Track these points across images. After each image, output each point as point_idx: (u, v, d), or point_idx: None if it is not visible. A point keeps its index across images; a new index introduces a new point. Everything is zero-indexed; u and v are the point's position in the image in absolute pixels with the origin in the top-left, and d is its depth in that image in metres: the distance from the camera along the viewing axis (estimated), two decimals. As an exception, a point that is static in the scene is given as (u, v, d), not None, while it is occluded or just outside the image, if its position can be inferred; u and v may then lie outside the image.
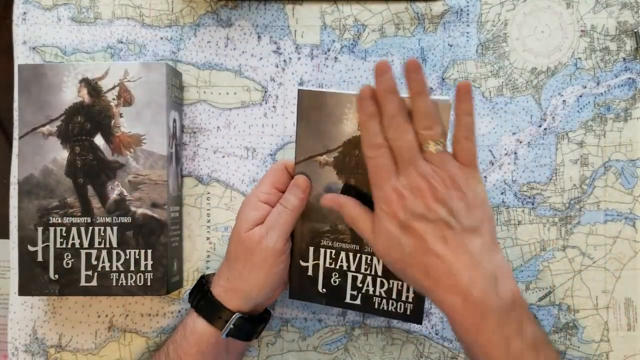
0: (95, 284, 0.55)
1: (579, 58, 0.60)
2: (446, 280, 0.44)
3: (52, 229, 0.55)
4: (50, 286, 0.55)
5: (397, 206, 0.45)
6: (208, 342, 0.53)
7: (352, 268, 0.54)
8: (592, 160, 0.60)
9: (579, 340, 0.60)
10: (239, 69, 0.61)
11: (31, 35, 0.61)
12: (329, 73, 0.61)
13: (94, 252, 0.55)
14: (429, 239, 0.44)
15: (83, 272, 0.55)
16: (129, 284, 0.55)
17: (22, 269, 0.55)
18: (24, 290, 0.56)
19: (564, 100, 0.60)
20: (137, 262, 0.55)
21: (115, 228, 0.55)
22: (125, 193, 0.55)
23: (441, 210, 0.44)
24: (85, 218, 0.55)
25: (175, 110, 0.58)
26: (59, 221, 0.55)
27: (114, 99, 0.55)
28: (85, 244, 0.55)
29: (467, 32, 0.60)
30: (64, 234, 0.55)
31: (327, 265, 0.54)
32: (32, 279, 0.55)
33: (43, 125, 0.55)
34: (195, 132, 0.61)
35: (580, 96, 0.60)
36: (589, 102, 0.60)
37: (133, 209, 0.55)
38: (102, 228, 0.55)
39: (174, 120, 0.58)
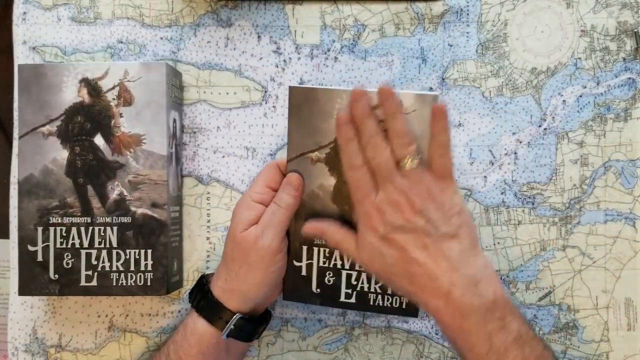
0: (95, 284, 0.55)
1: (579, 58, 0.60)
2: (429, 285, 0.46)
3: (52, 228, 0.55)
4: (50, 286, 0.55)
5: (377, 220, 0.48)
6: (209, 342, 0.53)
7: (347, 266, 0.54)
8: (592, 160, 0.60)
9: (579, 340, 0.60)
10: (239, 69, 0.61)
11: (31, 35, 0.61)
12: (329, 73, 0.61)
13: (94, 252, 0.55)
14: (410, 248, 0.47)
15: (83, 272, 0.55)
16: (129, 284, 0.55)
17: (22, 269, 0.55)
18: (24, 290, 0.56)
19: (564, 100, 0.60)
20: (137, 262, 0.55)
21: (115, 228, 0.55)
22: (125, 193, 0.55)
23: (419, 220, 0.47)
24: (85, 218, 0.55)
25: (175, 110, 0.58)
26: (59, 221, 0.55)
27: (114, 99, 0.55)
28: (85, 244, 0.55)
29: (467, 32, 0.60)
30: (64, 234, 0.55)
31: (321, 264, 0.54)
32: (32, 279, 0.55)
33: (43, 125, 0.55)
34: (195, 132, 0.61)
35: (580, 96, 0.60)
36: (589, 102, 0.60)
37: (133, 209, 0.55)
38: (102, 228, 0.55)
39: (174, 120, 0.58)
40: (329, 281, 0.54)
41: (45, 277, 0.55)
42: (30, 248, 0.55)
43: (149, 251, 0.55)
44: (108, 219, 0.55)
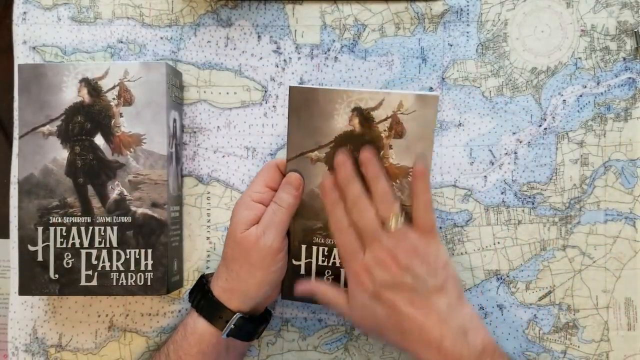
0: (96, 284, 0.55)
1: (579, 58, 0.60)
2: (420, 338, 0.48)
3: (52, 228, 0.55)
4: (51, 286, 0.55)
5: (366, 279, 0.49)
6: (209, 342, 0.53)
7: None
8: (592, 160, 0.60)
9: (579, 340, 0.60)
10: (239, 68, 0.61)
11: (31, 35, 0.61)
12: (329, 73, 0.61)
13: (94, 252, 0.55)
14: (400, 304, 0.48)
15: (83, 272, 0.55)
16: (129, 284, 0.55)
17: (22, 269, 0.55)
18: (24, 289, 0.56)
19: (564, 100, 0.60)
20: (137, 261, 0.55)
21: (115, 228, 0.55)
22: (125, 193, 0.55)
23: (407, 276, 0.49)
24: (86, 218, 0.55)
25: (175, 110, 0.58)
26: (59, 221, 0.55)
27: (114, 99, 0.55)
28: (86, 244, 0.55)
29: (467, 32, 0.60)
30: (64, 234, 0.55)
31: (320, 262, 0.54)
32: (32, 279, 0.55)
33: (43, 125, 0.55)
34: (195, 132, 0.61)
35: (581, 96, 0.60)
36: (589, 102, 0.60)
37: (133, 208, 0.55)
38: (102, 228, 0.55)
39: (174, 120, 0.58)
40: (328, 279, 0.55)
41: (46, 276, 0.55)
42: (31, 248, 0.55)
43: (149, 251, 0.55)
44: (108, 219, 0.55)
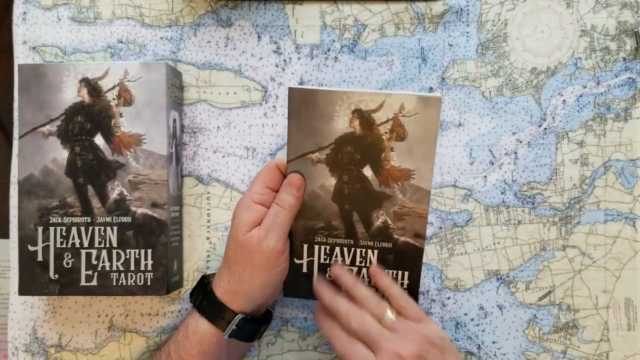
0: (96, 284, 0.55)
1: (579, 58, 0.60)
2: None
3: (52, 228, 0.55)
4: (51, 286, 0.55)
5: None
6: (210, 342, 0.52)
7: (347, 262, 0.54)
8: (592, 160, 0.60)
9: (579, 340, 0.60)
10: (239, 68, 0.61)
11: (31, 35, 0.61)
12: (329, 73, 0.61)
13: (94, 252, 0.55)
14: None
15: (83, 272, 0.55)
16: (129, 284, 0.55)
17: (22, 269, 0.55)
18: (24, 289, 0.56)
19: (564, 100, 0.60)
20: (137, 261, 0.55)
21: (115, 228, 0.55)
22: (125, 193, 0.55)
23: None
24: (85, 218, 0.55)
25: (175, 110, 0.58)
26: (59, 221, 0.55)
27: (114, 99, 0.55)
28: (85, 244, 0.55)
29: (467, 32, 0.60)
30: (64, 234, 0.55)
31: (322, 261, 0.55)
32: (32, 279, 0.55)
33: (43, 125, 0.55)
34: (195, 132, 0.61)
35: (580, 96, 0.60)
36: (589, 102, 0.60)
37: (133, 208, 0.55)
38: (102, 228, 0.55)
39: (174, 120, 0.58)
40: (329, 277, 0.55)
41: (45, 277, 0.55)
42: (31, 248, 0.55)
43: (149, 251, 0.55)
44: (108, 219, 0.55)
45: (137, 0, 0.61)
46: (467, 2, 0.60)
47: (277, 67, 0.61)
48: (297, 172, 0.53)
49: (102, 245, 0.55)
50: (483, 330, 0.60)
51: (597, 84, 0.60)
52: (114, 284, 0.55)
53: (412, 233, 0.53)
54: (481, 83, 0.60)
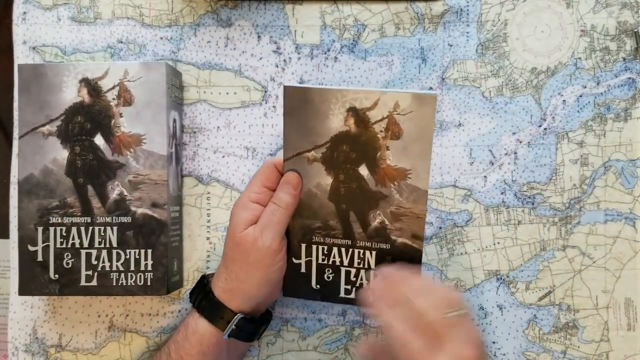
0: (96, 284, 0.55)
1: (579, 58, 0.60)
2: None
3: (52, 228, 0.55)
4: (51, 286, 0.55)
5: None
6: (209, 342, 0.53)
7: (345, 263, 0.54)
8: (592, 160, 0.60)
9: (579, 340, 0.60)
10: (239, 68, 0.61)
11: (31, 35, 0.61)
12: (329, 73, 0.61)
13: (94, 252, 0.55)
14: None
15: (83, 272, 0.55)
16: (129, 284, 0.55)
17: (22, 269, 0.55)
18: (24, 290, 0.56)
19: (564, 100, 0.60)
20: (137, 262, 0.55)
21: (115, 228, 0.55)
22: (125, 193, 0.55)
23: None
24: (85, 218, 0.55)
25: (175, 110, 0.58)
26: (59, 221, 0.55)
27: (114, 99, 0.55)
28: (85, 244, 0.55)
29: (467, 32, 0.60)
30: (64, 234, 0.55)
31: (320, 261, 0.55)
32: (32, 279, 0.55)
33: (43, 125, 0.55)
34: (195, 132, 0.61)
35: (580, 96, 0.60)
36: (589, 102, 0.60)
37: (133, 208, 0.55)
38: (102, 228, 0.55)
39: (174, 120, 0.58)
40: (328, 277, 0.55)
41: (46, 277, 0.55)
42: (31, 248, 0.55)
43: (149, 251, 0.55)
44: (108, 219, 0.55)
45: (137, 0, 0.61)
46: (467, 2, 0.60)
47: (277, 67, 0.61)
48: (294, 170, 0.53)
49: (102, 246, 0.55)
50: (483, 331, 0.60)
51: (597, 84, 0.60)
52: (114, 284, 0.55)
53: (410, 234, 0.52)
54: (481, 83, 0.60)
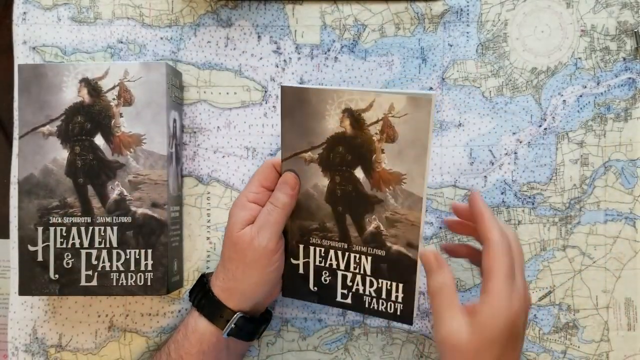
0: (96, 284, 0.55)
1: (579, 58, 0.60)
2: None
3: (52, 228, 0.55)
4: (51, 286, 0.55)
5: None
6: (209, 341, 0.53)
7: (342, 266, 0.53)
8: (592, 160, 0.60)
9: (579, 340, 0.60)
10: (239, 68, 0.61)
11: (31, 35, 0.61)
12: (329, 73, 0.61)
13: (94, 252, 0.55)
14: None
15: (83, 272, 0.55)
16: (129, 284, 0.55)
17: (22, 269, 0.55)
18: (24, 290, 0.56)
19: (564, 100, 0.60)
20: (137, 262, 0.55)
21: (115, 228, 0.55)
22: (125, 193, 0.55)
23: None
24: (85, 218, 0.55)
25: (175, 110, 0.58)
26: (59, 221, 0.55)
27: (114, 99, 0.55)
28: (86, 244, 0.55)
29: (467, 32, 0.60)
30: (64, 234, 0.55)
31: (317, 263, 0.54)
32: (32, 279, 0.55)
33: (43, 125, 0.55)
34: (195, 132, 0.61)
35: (580, 96, 0.60)
36: (589, 102, 0.60)
37: (133, 208, 0.55)
38: (102, 228, 0.55)
39: (174, 120, 0.58)
40: (325, 280, 0.54)
41: (46, 277, 0.55)
42: (31, 248, 0.55)
43: (149, 251, 0.55)
44: (108, 219, 0.55)
45: (137, 0, 0.61)
46: (467, 2, 0.60)
47: (277, 67, 0.61)
48: (291, 171, 0.53)
49: (102, 246, 0.55)
50: (483, 330, 0.60)
51: (597, 84, 0.60)
52: (114, 284, 0.55)
53: (405, 242, 0.50)
54: (481, 83, 0.60)
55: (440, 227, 0.60)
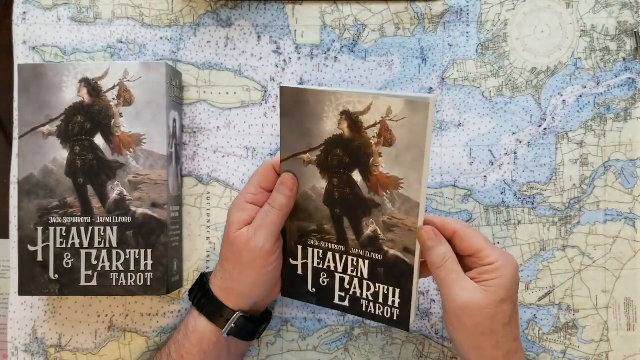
0: (95, 284, 0.55)
1: (579, 58, 0.60)
2: None
3: (52, 228, 0.55)
4: (50, 286, 0.55)
5: None
6: (209, 340, 0.53)
7: (339, 269, 0.53)
8: (592, 160, 0.60)
9: (579, 340, 0.60)
10: (239, 68, 0.61)
11: (31, 35, 0.61)
12: (329, 73, 0.61)
13: (94, 252, 0.55)
14: None
15: (83, 272, 0.55)
16: (129, 284, 0.55)
17: (22, 269, 0.55)
18: (24, 290, 0.56)
19: (564, 100, 0.60)
20: (137, 262, 0.55)
21: (115, 228, 0.55)
22: (125, 193, 0.55)
23: None
24: (85, 218, 0.55)
25: (175, 110, 0.58)
26: (59, 221, 0.55)
27: (114, 99, 0.55)
28: (85, 244, 0.55)
29: (467, 32, 0.60)
30: (64, 234, 0.55)
31: (316, 265, 0.54)
32: (32, 279, 0.55)
33: (43, 125, 0.55)
34: (195, 132, 0.61)
35: (580, 96, 0.60)
36: (589, 102, 0.60)
37: (133, 208, 0.55)
38: (102, 228, 0.55)
39: (174, 120, 0.58)
40: (323, 282, 0.54)
41: (45, 277, 0.55)
42: (30, 248, 0.55)
43: (149, 251, 0.55)
44: (108, 219, 0.55)
45: (137, 0, 0.61)
46: (467, 2, 0.60)
47: (277, 67, 0.61)
48: (290, 172, 0.53)
49: (102, 245, 0.55)
50: (483, 330, 0.60)
51: (597, 84, 0.60)
52: (114, 284, 0.55)
53: (402, 247, 0.50)
54: (481, 83, 0.60)
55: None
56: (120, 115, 0.55)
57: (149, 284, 0.55)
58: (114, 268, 0.55)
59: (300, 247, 0.54)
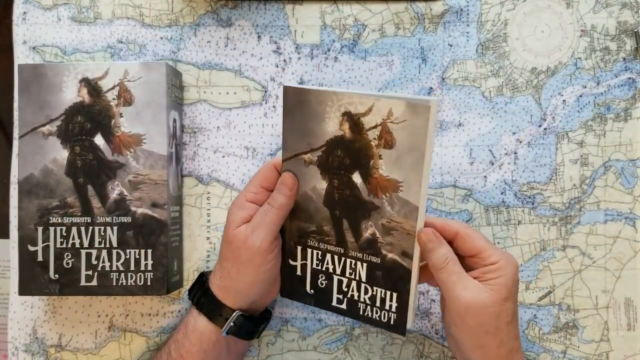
0: (96, 284, 0.55)
1: (579, 58, 0.60)
2: None
3: (52, 228, 0.55)
4: (51, 286, 0.55)
5: None
6: (209, 339, 0.53)
7: (338, 271, 0.53)
8: (592, 160, 0.60)
9: (579, 340, 0.60)
10: (239, 68, 0.61)
11: (31, 35, 0.61)
12: (329, 73, 0.61)
13: (94, 252, 0.55)
14: None
15: (83, 272, 0.55)
16: (129, 284, 0.55)
17: (22, 269, 0.55)
18: (24, 290, 0.56)
19: (564, 100, 0.60)
20: (137, 261, 0.55)
21: (115, 228, 0.55)
22: (125, 193, 0.55)
23: None
24: (85, 218, 0.55)
25: (175, 110, 0.58)
26: (59, 221, 0.55)
27: (114, 99, 0.55)
28: (85, 244, 0.55)
29: (467, 32, 0.60)
30: (64, 234, 0.55)
31: (314, 266, 0.54)
32: (32, 279, 0.55)
33: (43, 125, 0.55)
34: (195, 132, 0.61)
35: (580, 96, 0.60)
36: (589, 102, 0.60)
37: (133, 208, 0.55)
38: (102, 228, 0.55)
39: (174, 120, 0.58)
40: (321, 284, 0.54)
41: (46, 277, 0.55)
42: (31, 248, 0.55)
43: (149, 251, 0.55)
44: (108, 219, 0.55)
45: (137, 0, 0.61)
46: (467, 2, 0.60)
47: (277, 67, 0.61)
48: (291, 172, 0.53)
49: (102, 245, 0.55)
50: (483, 330, 0.60)
51: (597, 84, 0.60)
52: (114, 284, 0.55)
53: (400, 251, 0.50)
54: (481, 83, 0.60)
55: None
56: (121, 115, 0.55)
57: (149, 284, 0.55)
58: (114, 268, 0.55)
59: (299, 248, 0.54)
